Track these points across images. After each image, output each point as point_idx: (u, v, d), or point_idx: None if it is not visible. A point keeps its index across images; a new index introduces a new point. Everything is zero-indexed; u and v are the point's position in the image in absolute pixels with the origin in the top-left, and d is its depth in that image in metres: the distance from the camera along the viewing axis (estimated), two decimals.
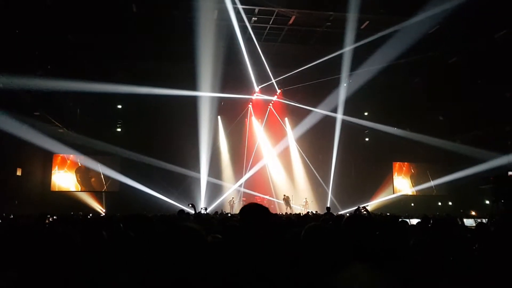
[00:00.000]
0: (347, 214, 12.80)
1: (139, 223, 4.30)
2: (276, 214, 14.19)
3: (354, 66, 19.95)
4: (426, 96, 22.39)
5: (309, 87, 21.99)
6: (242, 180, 24.61)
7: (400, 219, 6.61)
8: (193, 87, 20.44)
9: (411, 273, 2.54)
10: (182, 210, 8.73)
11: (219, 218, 11.19)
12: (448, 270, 2.66)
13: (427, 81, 22.18)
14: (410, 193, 26.23)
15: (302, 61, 20.11)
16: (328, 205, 17.94)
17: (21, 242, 3.58)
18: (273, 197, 25.37)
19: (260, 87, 23.47)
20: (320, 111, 23.35)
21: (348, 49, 18.76)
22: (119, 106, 23.73)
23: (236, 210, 22.74)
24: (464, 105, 20.61)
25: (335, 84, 21.79)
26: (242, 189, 24.85)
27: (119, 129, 23.74)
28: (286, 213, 19.81)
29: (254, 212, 2.54)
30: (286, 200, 24.07)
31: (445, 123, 23.71)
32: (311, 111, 23.78)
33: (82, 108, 20.52)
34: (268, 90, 23.87)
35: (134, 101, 22.13)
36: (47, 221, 7.39)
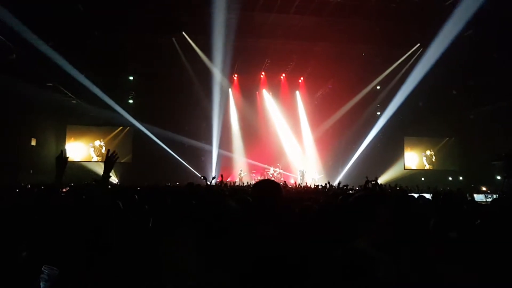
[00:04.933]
0: (357, 188, 12.77)
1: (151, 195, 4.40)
2: (285, 186, 14.29)
3: (367, 38, 19.63)
4: (440, 69, 21.98)
5: (320, 60, 21.75)
6: (253, 153, 24.76)
7: (408, 194, 6.63)
8: (205, 59, 20.35)
9: (419, 249, 2.58)
10: (191, 183, 8.71)
11: (229, 190, 11.33)
12: (458, 247, 2.69)
13: (440, 53, 21.72)
14: (420, 167, 26.16)
15: (315, 33, 19.81)
16: (338, 180, 17.95)
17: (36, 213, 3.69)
18: (284, 170, 25.52)
19: (271, 60, 23.24)
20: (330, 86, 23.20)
21: (360, 20, 18.44)
22: (131, 78, 23.76)
23: (245, 182, 23.08)
24: (478, 79, 20.27)
25: (348, 56, 21.49)
26: (253, 161, 25.05)
27: (131, 101, 23.82)
28: (299, 184, 20.16)
29: (267, 189, 2.61)
30: (302, 174, 24.33)
31: (458, 97, 23.37)
32: (322, 84, 23.59)
33: (94, 80, 20.55)
34: (279, 62, 23.64)
35: (146, 73, 22.21)
36: (64, 190, 7.54)
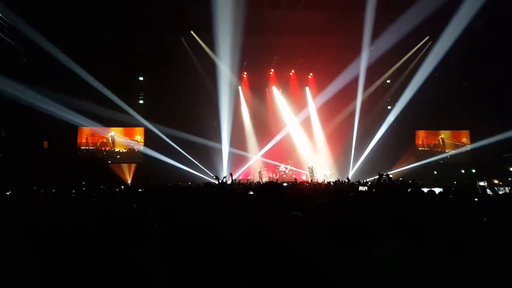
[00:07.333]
0: (369, 183, 12.73)
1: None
2: (296, 184, 14.31)
3: (376, 32, 19.51)
4: (450, 61, 21.77)
5: (329, 55, 21.67)
6: (264, 150, 24.79)
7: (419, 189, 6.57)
8: (214, 58, 20.42)
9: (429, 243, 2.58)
10: (209, 183, 8.74)
11: (241, 188, 11.38)
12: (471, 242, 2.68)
13: (450, 45, 21.51)
14: (433, 161, 25.92)
15: (323, 28, 19.73)
16: (349, 175, 17.85)
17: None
18: (295, 167, 25.54)
19: (279, 56, 23.23)
20: (340, 81, 23.11)
21: (369, 14, 18.34)
22: (141, 78, 23.91)
23: (263, 179, 23.43)
24: (488, 69, 20.03)
25: (357, 51, 21.37)
26: (265, 159, 25.10)
27: (141, 101, 23.97)
28: (312, 180, 20.25)
29: (270, 190, 2.66)
30: (311, 171, 24.33)
31: (469, 89, 23.12)
32: (331, 79, 23.48)
33: (104, 81, 20.69)
34: (288, 59, 23.63)
35: (155, 73, 22.32)
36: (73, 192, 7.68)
